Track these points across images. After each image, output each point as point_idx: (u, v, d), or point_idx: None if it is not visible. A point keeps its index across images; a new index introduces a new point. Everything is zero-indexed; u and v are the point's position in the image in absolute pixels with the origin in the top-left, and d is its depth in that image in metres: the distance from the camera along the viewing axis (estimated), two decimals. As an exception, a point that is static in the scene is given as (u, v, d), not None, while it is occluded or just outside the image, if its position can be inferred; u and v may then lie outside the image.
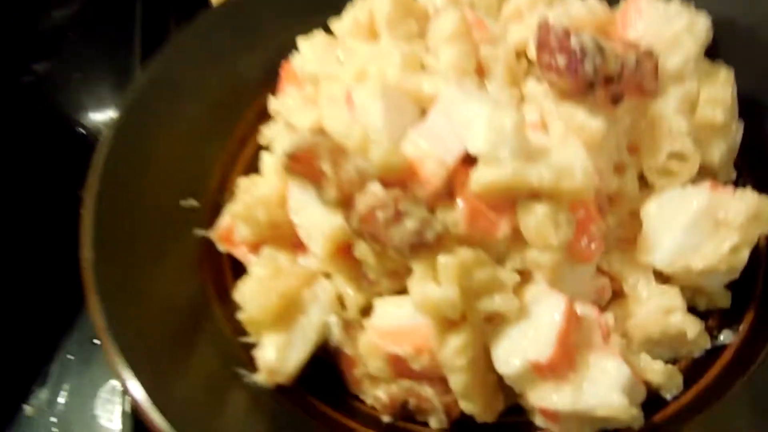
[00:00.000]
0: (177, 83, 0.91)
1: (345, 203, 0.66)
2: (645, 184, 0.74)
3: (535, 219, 0.64)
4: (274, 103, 0.90)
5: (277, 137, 0.71)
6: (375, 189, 0.64)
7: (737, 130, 0.76)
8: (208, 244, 0.82)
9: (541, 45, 0.66)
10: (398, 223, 0.63)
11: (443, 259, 0.62)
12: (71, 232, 0.76)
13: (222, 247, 0.81)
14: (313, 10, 0.99)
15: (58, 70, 1.37)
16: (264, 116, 0.92)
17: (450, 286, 0.62)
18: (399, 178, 0.66)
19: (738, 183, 0.79)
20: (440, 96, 0.69)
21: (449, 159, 0.65)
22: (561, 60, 0.64)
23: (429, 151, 0.66)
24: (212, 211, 0.84)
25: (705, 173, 0.75)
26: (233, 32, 0.98)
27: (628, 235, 0.73)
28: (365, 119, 0.69)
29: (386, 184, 0.65)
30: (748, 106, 0.79)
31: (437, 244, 0.64)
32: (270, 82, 0.95)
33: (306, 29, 0.93)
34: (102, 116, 1.27)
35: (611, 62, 0.66)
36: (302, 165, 0.66)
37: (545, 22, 0.67)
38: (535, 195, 0.64)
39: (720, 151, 0.74)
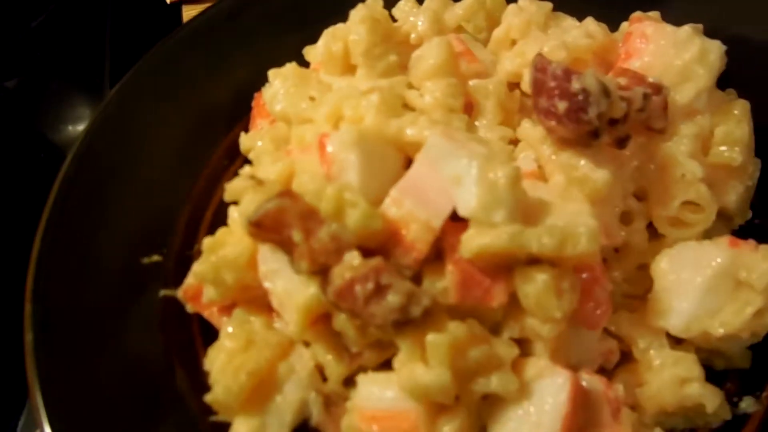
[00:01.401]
0: (136, 122, 0.83)
1: (320, 272, 0.58)
2: (655, 234, 0.67)
3: (535, 288, 0.56)
4: (245, 141, 0.82)
5: (243, 195, 0.63)
6: (352, 259, 0.56)
7: (755, 170, 0.69)
8: (174, 304, 0.74)
9: (538, 88, 0.58)
10: (380, 298, 0.56)
11: (432, 338, 0.55)
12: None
13: (190, 308, 0.74)
14: (289, 32, 0.92)
15: (28, 86, 1.33)
16: (235, 154, 0.84)
17: (441, 368, 0.55)
18: (379, 243, 0.59)
19: (752, 222, 0.72)
20: (425, 145, 0.61)
21: (436, 223, 0.58)
22: (561, 106, 0.57)
23: (414, 213, 0.58)
24: (178, 266, 0.76)
25: (720, 216, 0.68)
26: (201, 60, 0.90)
27: (637, 291, 0.66)
28: (339, 174, 0.61)
29: (365, 250, 0.58)
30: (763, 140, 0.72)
31: (425, 319, 0.56)
32: (241, 113, 0.88)
33: (280, 54, 0.86)
34: (73, 132, 1.22)
35: (617, 105, 0.58)
36: (269, 233, 0.58)
37: (542, 59, 0.59)
38: (534, 259, 0.57)
39: (737, 194, 0.67)
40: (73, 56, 1.35)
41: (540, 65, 0.58)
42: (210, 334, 0.72)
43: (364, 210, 0.57)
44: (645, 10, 0.79)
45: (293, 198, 0.57)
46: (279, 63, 0.83)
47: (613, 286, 0.65)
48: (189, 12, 1.26)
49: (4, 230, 1.03)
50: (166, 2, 1.27)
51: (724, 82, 0.73)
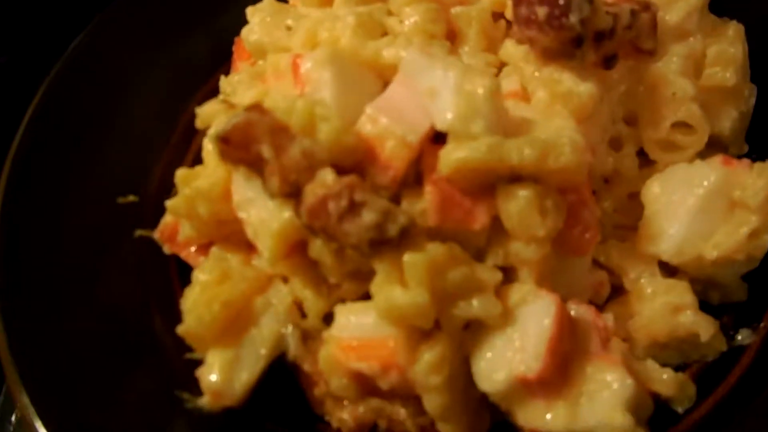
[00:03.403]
0: (116, 60, 0.80)
1: (293, 194, 0.56)
2: (645, 161, 0.64)
3: (518, 205, 0.53)
4: (225, 84, 0.79)
5: (215, 119, 0.60)
6: (325, 176, 0.54)
7: (750, 95, 0.66)
8: (152, 246, 0.72)
9: (518, -4, 0.55)
10: (354, 216, 0.53)
11: (410, 258, 0.52)
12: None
13: (167, 249, 0.71)
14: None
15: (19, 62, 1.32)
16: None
17: (419, 289, 0.52)
18: (355, 161, 0.56)
19: (750, 158, 0.69)
20: (402, 61, 0.58)
21: (413, 137, 0.55)
22: (541, 11, 0.54)
23: (390, 129, 0.55)
24: (156, 208, 0.74)
25: (714, 146, 0.65)
26: (182, 3, 0.87)
27: (628, 221, 0.63)
28: (313, 93, 0.58)
29: (340, 169, 0.55)
30: (760, 68, 0.69)
31: (402, 239, 0.53)
32: (223, 60, 0.85)
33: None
34: None
35: (601, 15, 0.56)
36: (239, 150, 0.56)
37: (522, -33, 0.56)
38: (516, 176, 0.54)
39: (731, 119, 0.64)
40: (63, 31, 1.34)
41: (520, -30, 0.55)
42: (188, 277, 0.69)
43: (336, 125, 0.54)
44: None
45: (262, 112, 0.54)
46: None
47: (603, 216, 0.63)
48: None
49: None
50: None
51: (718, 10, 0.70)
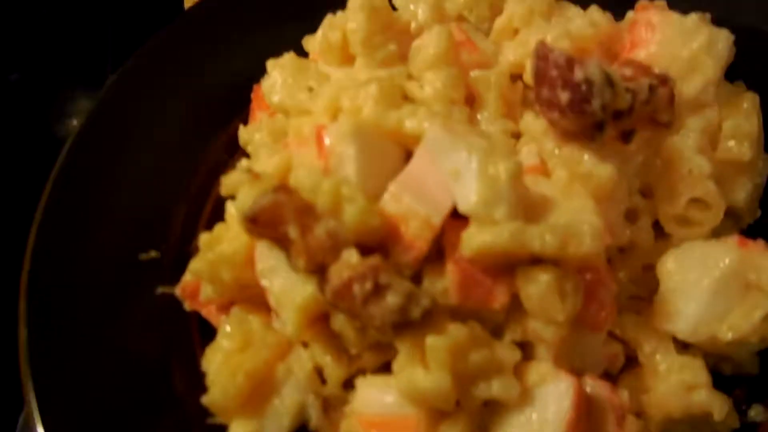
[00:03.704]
0: (134, 114, 0.81)
1: (318, 270, 0.57)
2: (661, 233, 0.65)
3: (538, 289, 0.54)
4: (243, 134, 0.80)
5: (239, 189, 0.61)
6: (350, 257, 0.55)
7: (765, 166, 0.67)
8: (172, 301, 0.73)
9: (540, 77, 0.56)
10: (379, 298, 0.54)
11: (432, 341, 0.54)
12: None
13: (188, 306, 0.72)
14: (289, 22, 0.90)
15: (30, 80, 1.32)
16: (234, 147, 0.82)
17: (441, 372, 0.53)
18: (378, 240, 0.57)
19: (762, 221, 0.70)
20: (424, 138, 0.59)
21: (436, 219, 0.56)
22: (564, 96, 0.54)
23: (413, 209, 0.56)
24: (176, 263, 0.74)
25: (728, 215, 0.66)
26: (200, 51, 0.88)
27: (643, 292, 0.64)
28: (337, 168, 0.59)
29: (364, 247, 0.56)
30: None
31: (424, 321, 0.55)
32: (240, 106, 0.86)
33: (280, 44, 0.84)
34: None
35: (621, 96, 0.56)
36: (266, 229, 0.57)
37: (543, 47, 0.56)
38: (536, 258, 0.55)
39: (746, 191, 0.65)
40: (75, 48, 1.35)
41: (542, 53, 0.55)
42: (208, 331, 0.70)
43: (361, 206, 0.55)
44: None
45: (289, 193, 0.55)
46: (278, 53, 0.81)
47: (618, 287, 0.63)
48: (191, 4, 1.25)
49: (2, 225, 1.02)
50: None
51: (732, 73, 0.71)
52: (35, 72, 1.33)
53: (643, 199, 0.64)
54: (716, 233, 0.65)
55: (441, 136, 0.57)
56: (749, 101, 0.66)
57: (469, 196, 0.54)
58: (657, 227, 0.65)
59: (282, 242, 0.57)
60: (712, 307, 0.58)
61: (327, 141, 0.60)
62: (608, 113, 0.56)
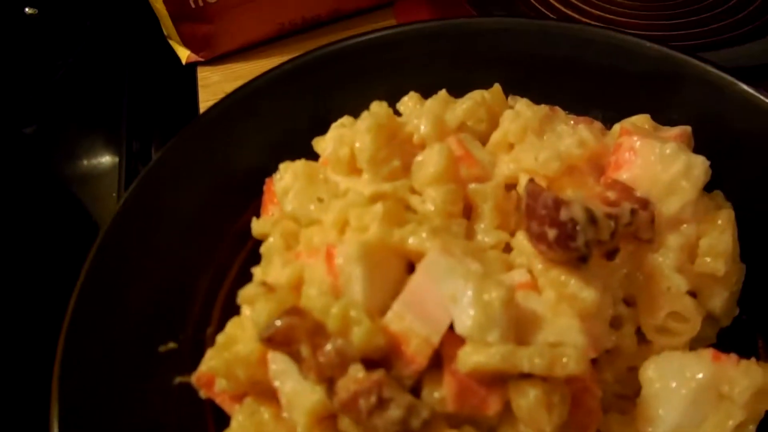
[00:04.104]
0: (154, 212, 0.88)
1: (326, 381, 0.62)
2: (644, 338, 0.70)
3: (527, 402, 0.60)
4: (256, 226, 0.86)
5: (255, 301, 0.67)
6: (356, 372, 0.60)
7: (740, 276, 0.72)
8: (188, 388, 0.79)
9: (530, 213, 0.62)
10: (382, 410, 0.60)
11: (431, 450, 0.59)
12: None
13: (203, 394, 0.78)
14: (301, 117, 0.97)
15: (45, 133, 1.38)
16: (246, 238, 0.89)
17: (439, 481, 0.59)
18: (382, 354, 0.63)
19: (740, 318, 0.76)
20: (425, 260, 0.65)
21: (435, 338, 0.62)
22: (551, 233, 0.60)
23: (414, 328, 0.62)
24: (193, 351, 0.80)
25: (706, 318, 0.71)
26: (215, 150, 0.95)
27: (627, 391, 0.69)
28: (346, 285, 0.65)
29: (368, 361, 0.62)
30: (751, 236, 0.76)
31: (424, 429, 0.60)
32: (252, 197, 0.92)
33: (292, 140, 0.91)
34: (90, 176, 1.28)
35: (604, 228, 0.62)
36: (281, 345, 0.62)
37: (533, 187, 0.63)
38: (527, 374, 0.61)
39: (722, 300, 0.71)
40: (91, 107, 1.41)
41: (532, 192, 0.62)
42: (222, 418, 0.76)
43: (368, 327, 0.61)
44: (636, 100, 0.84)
45: (302, 315, 0.61)
46: (290, 145, 0.88)
47: (604, 387, 0.69)
48: (203, 73, 1.33)
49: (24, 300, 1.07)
50: (181, 63, 1.32)
51: (712, 178, 0.77)
52: (51, 125, 1.39)
53: (626, 307, 0.70)
54: (696, 335, 0.71)
55: (440, 260, 0.63)
56: (724, 218, 0.71)
57: (465, 321, 0.60)
58: (639, 333, 0.71)
59: (294, 356, 0.62)
60: (689, 415, 0.63)
61: (336, 261, 0.66)
62: (591, 246, 0.62)
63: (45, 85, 1.44)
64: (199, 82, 1.31)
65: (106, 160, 1.32)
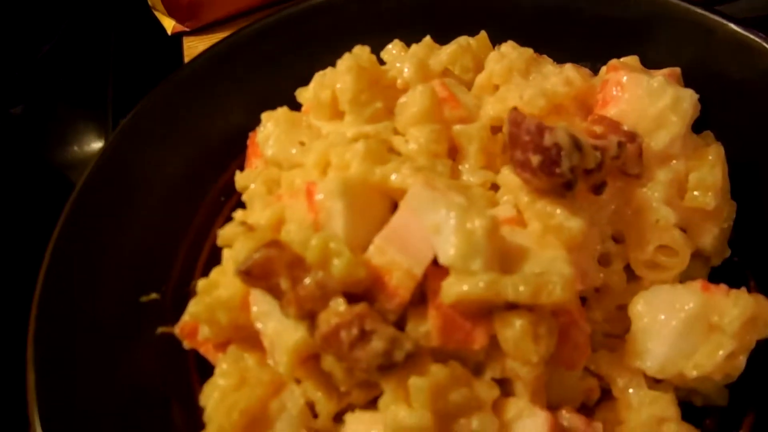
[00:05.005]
0: (135, 162, 0.86)
1: (308, 316, 0.61)
2: (633, 275, 0.69)
3: (513, 333, 0.59)
4: (240, 179, 0.85)
5: (235, 241, 0.65)
6: (337, 306, 0.59)
7: (730, 213, 0.71)
8: (171, 340, 0.77)
9: (513, 141, 0.61)
10: (364, 343, 0.58)
11: (415, 381, 0.58)
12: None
13: (186, 344, 0.76)
14: (283, 72, 0.95)
15: (33, 113, 1.37)
16: (231, 191, 0.87)
17: (423, 411, 0.57)
18: (364, 288, 0.61)
19: (731, 260, 0.74)
20: (407, 194, 0.63)
21: (418, 270, 0.60)
22: (535, 159, 0.59)
23: (396, 260, 0.61)
24: (175, 303, 0.79)
25: (697, 257, 0.70)
26: (198, 101, 0.93)
27: (617, 330, 0.68)
28: (327, 221, 0.64)
29: (351, 295, 0.60)
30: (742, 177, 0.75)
31: (408, 362, 0.59)
32: (237, 151, 0.91)
33: (275, 94, 0.89)
34: (78, 156, 1.26)
35: (590, 156, 0.61)
36: (259, 280, 0.61)
37: (516, 114, 0.61)
38: (512, 304, 0.59)
39: (712, 236, 0.69)
40: (77, 83, 1.40)
41: (514, 120, 0.60)
42: (206, 368, 0.74)
43: (348, 259, 0.59)
44: (626, 50, 0.82)
45: (280, 247, 0.60)
46: (273, 102, 0.86)
47: (593, 326, 0.68)
48: (189, 42, 1.31)
49: (7, 262, 1.06)
50: (167, 33, 1.31)
51: (702, 122, 0.76)
52: (37, 105, 1.38)
53: (615, 244, 0.68)
54: (686, 274, 0.69)
55: (422, 193, 0.62)
56: (714, 153, 0.70)
57: (447, 250, 0.59)
58: (629, 270, 0.69)
59: (274, 292, 0.61)
60: (679, 346, 0.62)
61: (316, 197, 0.65)
62: (577, 173, 0.61)
63: (30, 63, 1.43)
64: (185, 52, 1.29)
65: (93, 139, 1.31)
